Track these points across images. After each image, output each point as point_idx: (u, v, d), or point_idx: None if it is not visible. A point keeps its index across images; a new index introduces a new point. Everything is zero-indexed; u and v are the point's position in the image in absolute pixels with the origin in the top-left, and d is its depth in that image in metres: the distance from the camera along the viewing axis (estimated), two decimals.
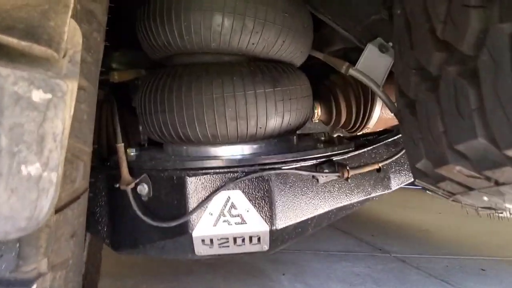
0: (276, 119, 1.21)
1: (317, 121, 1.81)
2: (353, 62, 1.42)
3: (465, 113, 0.57)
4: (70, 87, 0.55)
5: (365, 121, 1.70)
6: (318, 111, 1.74)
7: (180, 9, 1.13)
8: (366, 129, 1.76)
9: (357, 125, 1.73)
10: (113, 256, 1.45)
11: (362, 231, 2.78)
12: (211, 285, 2.01)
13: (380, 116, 1.67)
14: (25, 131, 0.52)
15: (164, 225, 1.19)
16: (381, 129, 1.76)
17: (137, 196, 1.22)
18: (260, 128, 1.20)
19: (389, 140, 1.43)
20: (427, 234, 2.77)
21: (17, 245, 0.75)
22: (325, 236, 2.64)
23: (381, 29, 1.42)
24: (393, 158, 1.38)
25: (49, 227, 0.83)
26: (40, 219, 0.57)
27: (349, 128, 1.78)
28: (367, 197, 1.39)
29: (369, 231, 2.82)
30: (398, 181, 1.45)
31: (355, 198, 1.37)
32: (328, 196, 1.32)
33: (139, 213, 1.20)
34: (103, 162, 1.43)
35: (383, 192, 1.42)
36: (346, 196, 1.35)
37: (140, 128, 1.56)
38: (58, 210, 0.87)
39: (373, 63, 1.42)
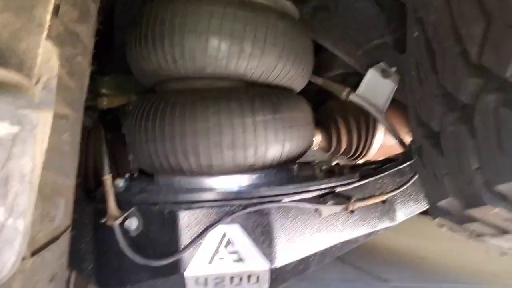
0: (276, 148, 1.14)
1: (316, 148, 1.74)
2: (353, 88, 1.37)
3: (510, 149, 0.49)
4: (43, 119, 0.46)
5: (366, 148, 1.64)
6: (318, 138, 1.68)
7: (174, 31, 1.06)
8: (367, 157, 1.70)
9: (358, 153, 1.67)
10: None
11: (358, 258, 2.68)
12: None
13: (383, 143, 1.61)
14: None
15: (154, 263, 1.09)
16: (383, 158, 1.69)
17: (125, 232, 1.13)
18: (259, 158, 1.12)
19: (395, 169, 1.35)
20: (426, 261, 2.67)
21: None
22: None
23: (383, 54, 1.38)
24: (401, 189, 1.30)
25: (23, 273, 0.74)
26: (4, 274, 0.48)
27: (349, 156, 1.72)
28: (372, 230, 1.31)
29: (365, 257, 2.71)
30: (405, 212, 1.37)
31: (360, 232, 1.28)
32: (331, 230, 1.23)
33: (126, 250, 1.10)
34: (89, 194, 1.33)
35: (389, 225, 1.34)
36: (350, 229, 1.27)
37: (130, 156, 1.48)
38: (35, 252, 0.79)
39: (375, 88, 1.38)
